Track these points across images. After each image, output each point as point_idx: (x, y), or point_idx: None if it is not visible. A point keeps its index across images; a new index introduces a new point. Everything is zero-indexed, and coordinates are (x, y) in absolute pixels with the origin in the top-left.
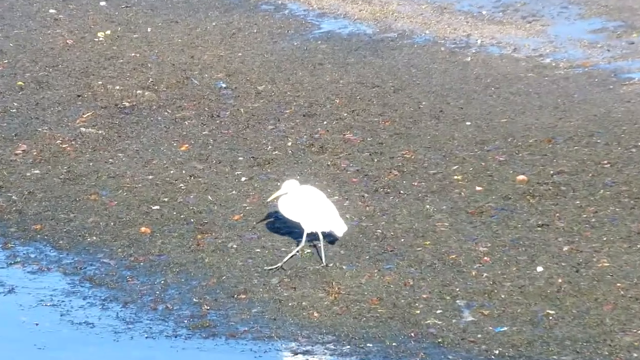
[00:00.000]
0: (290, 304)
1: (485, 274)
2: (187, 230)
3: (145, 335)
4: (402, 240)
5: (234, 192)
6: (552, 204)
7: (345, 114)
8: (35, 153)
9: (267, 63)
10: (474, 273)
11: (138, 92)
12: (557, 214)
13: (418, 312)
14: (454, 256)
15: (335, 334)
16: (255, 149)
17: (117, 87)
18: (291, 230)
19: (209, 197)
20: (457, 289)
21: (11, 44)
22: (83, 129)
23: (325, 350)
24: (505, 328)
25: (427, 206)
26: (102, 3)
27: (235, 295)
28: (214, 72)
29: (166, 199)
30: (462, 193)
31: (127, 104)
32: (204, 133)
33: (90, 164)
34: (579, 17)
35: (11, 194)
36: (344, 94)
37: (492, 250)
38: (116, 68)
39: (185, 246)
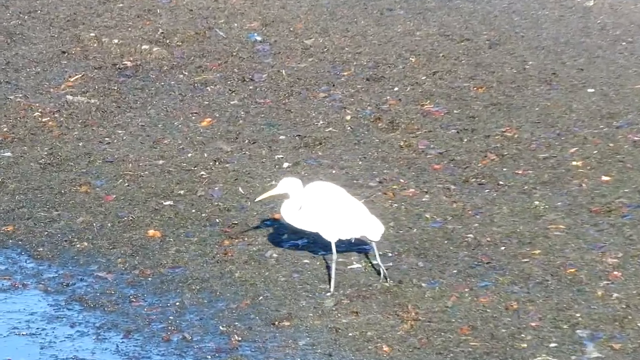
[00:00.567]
0: (350, 334)
1: (615, 295)
2: (211, 234)
3: None
4: (502, 248)
5: (273, 182)
6: None
7: (424, 77)
8: (5, 129)
9: (317, 8)
10: (600, 293)
11: (144, 47)
12: None
13: (525, 345)
14: (572, 270)
15: None
16: (301, 125)
17: (115, 41)
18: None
19: (240, 189)
20: (578, 315)
21: None
22: (70, 97)
23: None
24: None
25: (536, 202)
26: None
27: (277, 322)
28: (245, 20)
29: (182, 192)
30: (584, 185)
31: (128, 64)
32: (232, 103)
33: (80, 144)
34: None
35: None
36: (422, 50)
37: (624, 262)
38: (114, 15)
39: (208, 255)
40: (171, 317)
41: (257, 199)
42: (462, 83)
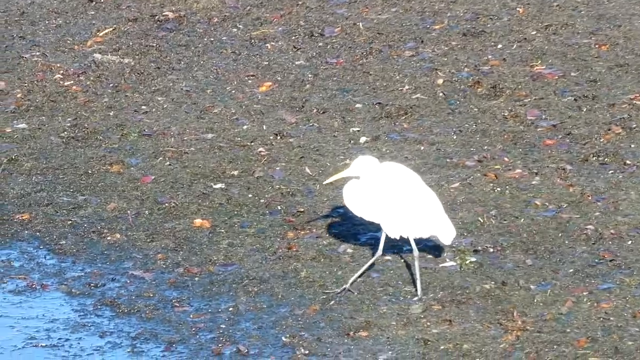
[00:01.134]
0: (442, 347)
1: None
2: (271, 225)
3: None
4: (630, 243)
5: (347, 161)
6: None
7: (534, 32)
8: (19, 95)
9: None
10: None
11: None
12: None
13: None
14: None
15: None
16: (382, 90)
17: None
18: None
19: (307, 169)
20: None
21: None
22: (98, 56)
23: None
24: None
25: None
26: None
27: (352, 332)
28: None
29: (235, 173)
30: None
31: (170, 15)
32: (297, 63)
33: (111, 113)
34: None
35: None
36: None
37: None
38: None
39: (267, 250)
40: (223, 326)
41: (326, 182)
42: (581, 39)
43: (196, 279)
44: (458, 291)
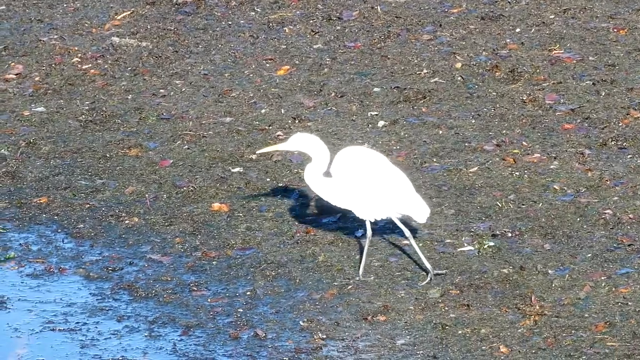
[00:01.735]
0: (460, 332)
1: None
2: (290, 208)
3: None
4: None
5: (365, 145)
6: None
7: (552, 16)
8: (37, 79)
9: None
10: None
11: None
12: None
13: None
14: None
15: None
16: (400, 74)
17: None
18: (462, 206)
19: None
20: None
21: None
22: (116, 39)
23: None
24: None
25: None
26: None
27: (369, 317)
28: None
29: (254, 156)
30: None
31: None
32: (315, 47)
33: (129, 97)
34: None
35: None
36: None
37: None
38: None
39: (286, 234)
40: (240, 310)
41: (259, 151)
42: (600, 23)
43: (214, 263)
44: (476, 276)
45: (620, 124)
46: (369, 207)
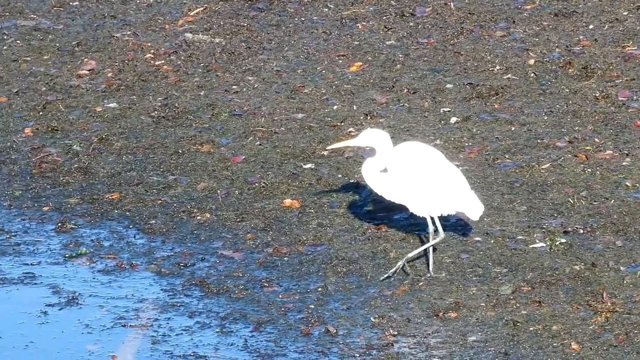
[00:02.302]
0: (531, 329)
1: None
2: (361, 204)
3: None
4: None
5: (437, 141)
6: None
7: (626, 13)
8: (110, 75)
9: None
10: None
11: None
12: None
13: None
14: None
15: None
16: (473, 70)
17: None
18: (534, 203)
19: None
20: None
21: None
22: (189, 35)
23: None
24: None
25: None
26: None
27: (441, 313)
28: None
29: (325, 153)
30: None
31: None
32: (388, 43)
33: (201, 93)
34: None
35: (71, 142)
36: None
37: None
38: None
39: (357, 230)
40: (312, 306)
41: (330, 147)
42: None
43: (285, 259)
44: (547, 272)
45: None
46: (424, 202)
